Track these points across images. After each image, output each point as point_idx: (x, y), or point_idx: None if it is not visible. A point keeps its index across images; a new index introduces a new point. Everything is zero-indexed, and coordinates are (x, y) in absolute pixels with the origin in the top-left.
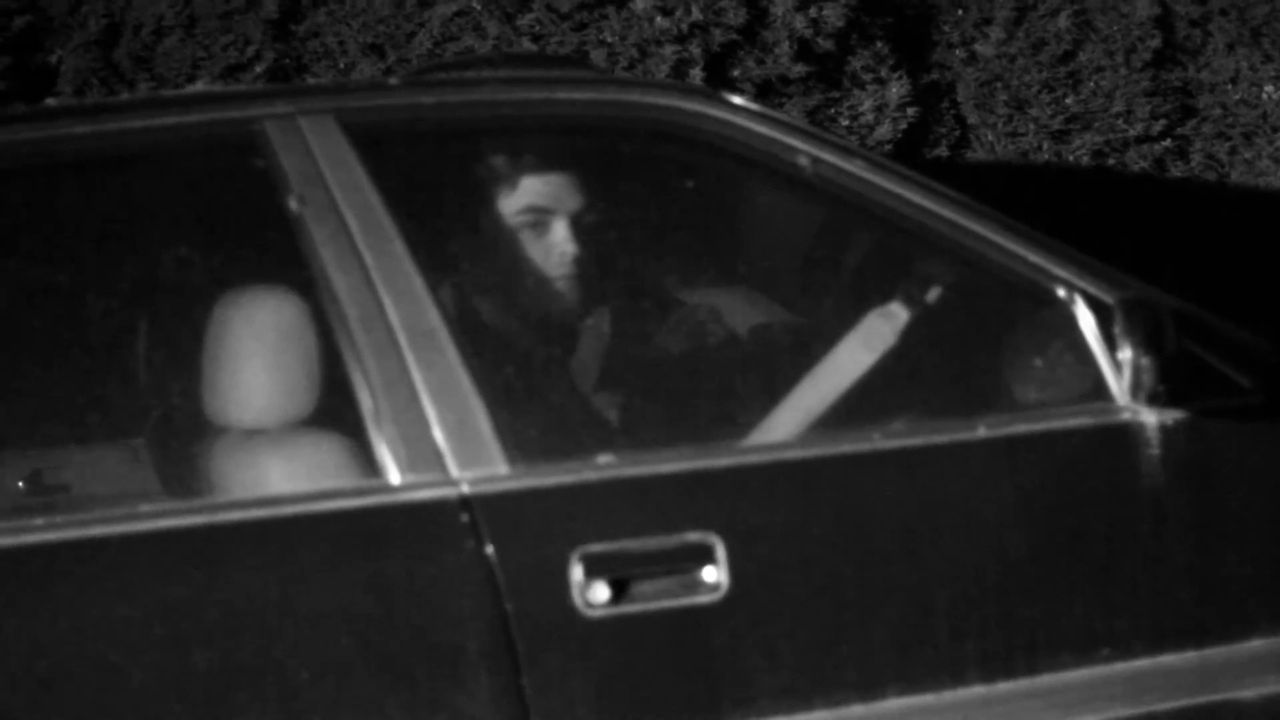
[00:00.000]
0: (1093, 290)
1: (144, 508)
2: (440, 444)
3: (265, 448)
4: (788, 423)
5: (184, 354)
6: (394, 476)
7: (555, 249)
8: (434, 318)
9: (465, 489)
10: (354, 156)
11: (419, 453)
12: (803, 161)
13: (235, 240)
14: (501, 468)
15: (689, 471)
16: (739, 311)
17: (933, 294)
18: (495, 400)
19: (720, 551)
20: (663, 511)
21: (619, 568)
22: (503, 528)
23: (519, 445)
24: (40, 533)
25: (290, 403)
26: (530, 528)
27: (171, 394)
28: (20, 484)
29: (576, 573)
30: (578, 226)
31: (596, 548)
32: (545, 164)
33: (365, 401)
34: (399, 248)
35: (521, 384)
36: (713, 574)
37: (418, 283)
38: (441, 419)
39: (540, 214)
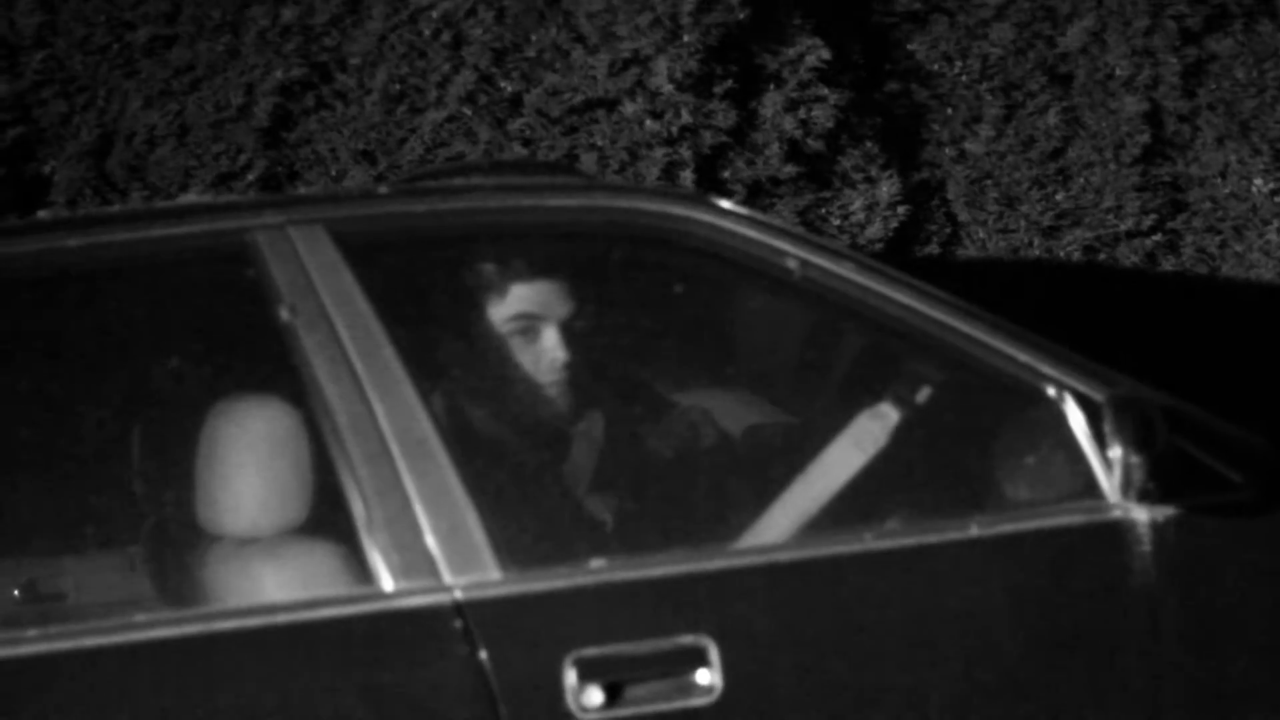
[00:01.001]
0: (1082, 388)
1: (139, 617)
2: (433, 551)
3: (259, 556)
4: (780, 524)
5: (177, 463)
6: (387, 584)
7: (545, 355)
8: (425, 425)
9: (458, 595)
10: (344, 265)
11: (412, 560)
12: (792, 265)
13: (227, 350)
14: (494, 574)
15: (681, 575)
16: (731, 413)
17: (922, 394)
18: (487, 506)
19: (714, 654)
20: (655, 615)
21: (613, 672)
22: (496, 633)
23: (511, 551)
24: (35, 643)
25: (283, 511)
26: (524, 633)
27: (165, 503)
28: (15, 593)
29: (570, 677)
30: (568, 332)
31: (590, 652)
32: (534, 271)
33: (358, 509)
34: (390, 356)
35: (513, 490)
36: (706, 677)
37: (409, 390)
38: (434, 526)
39: (530, 320)
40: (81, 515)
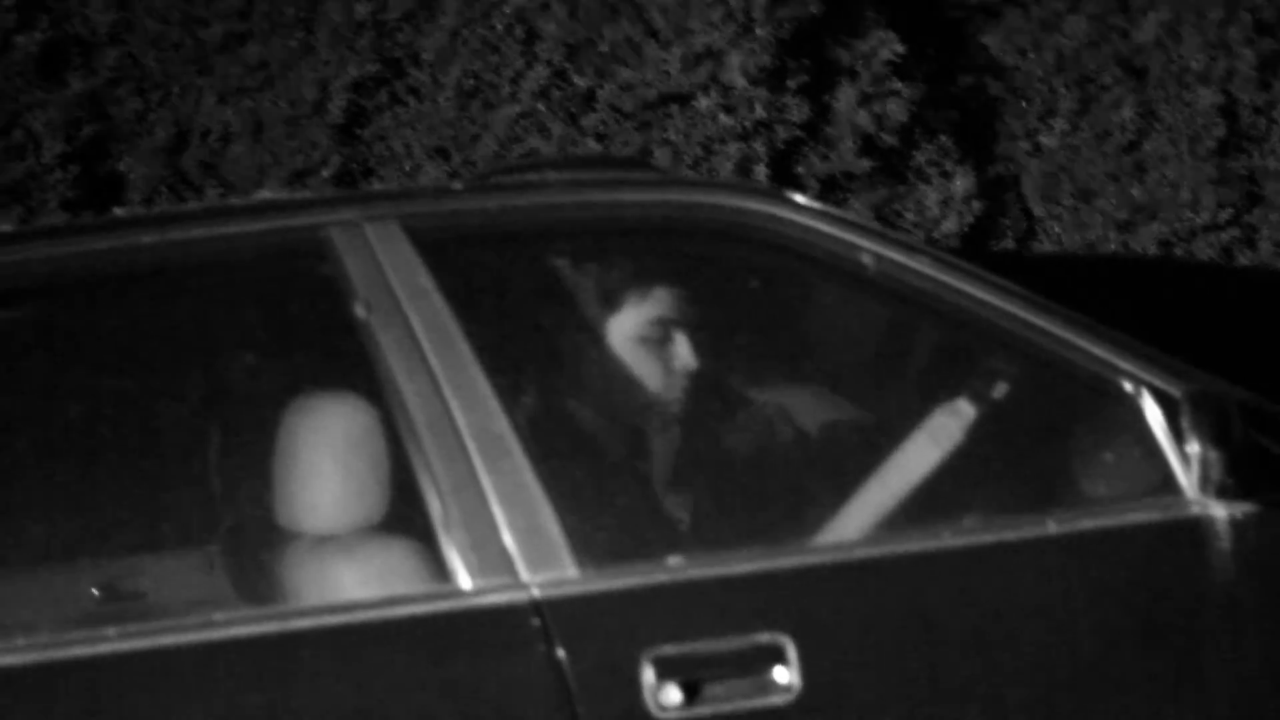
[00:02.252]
0: (1159, 383)
1: (217, 616)
2: (510, 548)
3: (336, 554)
4: (856, 521)
5: (255, 461)
6: (464, 581)
7: (677, 360)
8: (501, 422)
9: (535, 593)
10: (419, 262)
11: (489, 557)
12: (866, 260)
13: (303, 347)
14: (571, 571)
15: (759, 572)
16: (807, 409)
17: (999, 390)
18: (564, 503)
19: (791, 652)
20: (733, 613)
21: (691, 670)
22: (573, 631)
23: (588, 548)
24: (114, 642)
25: (360, 508)
26: (600, 631)
27: (243, 501)
28: (94, 592)
29: (648, 676)
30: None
31: (668, 650)
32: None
33: (435, 506)
34: (465, 352)
35: (590, 487)
36: (784, 675)
37: (485, 387)
38: (511, 523)
39: (666, 326)
40: (160, 514)
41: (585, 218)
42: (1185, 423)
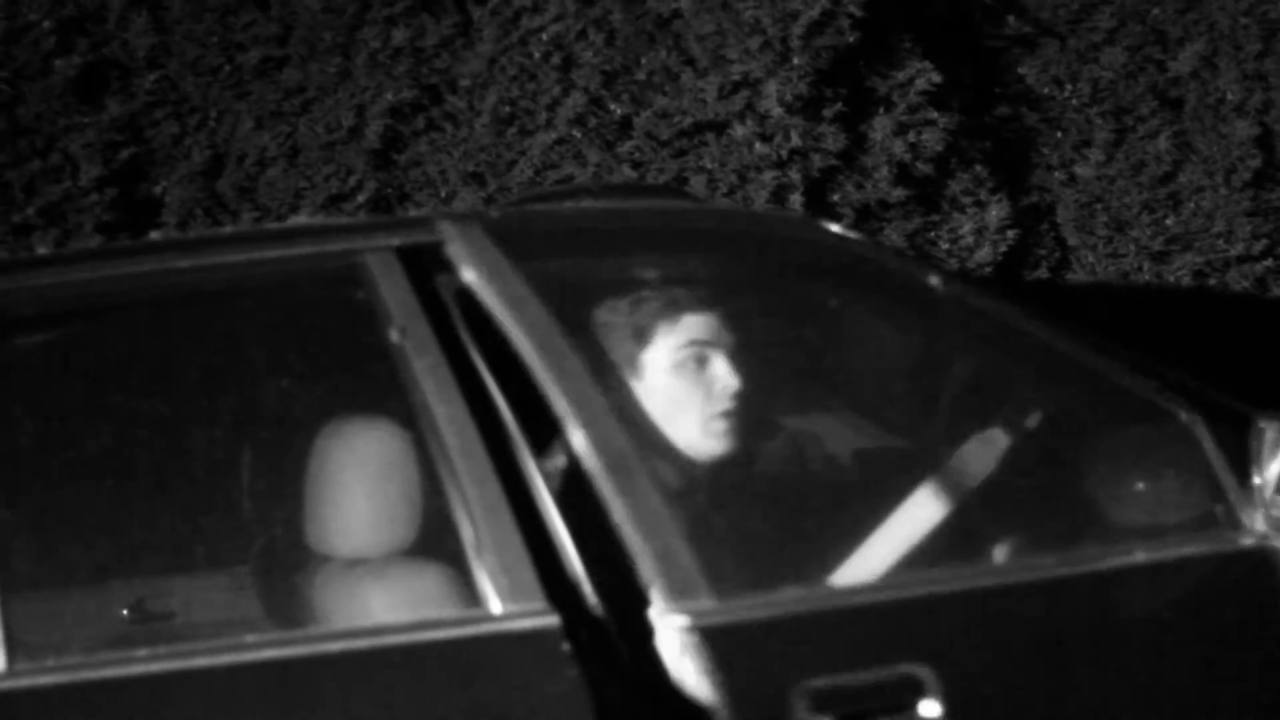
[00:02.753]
0: (1216, 415)
1: (248, 638)
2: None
3: (367, 577)
4: (880, 554)
5: (287, 484)
6: (495, 606)
7: (717, 383)
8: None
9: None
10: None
11: (519, 582)
12: (934, 282)
13: (337, 371)
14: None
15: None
16: (837, 436)
17: (1032, 419)
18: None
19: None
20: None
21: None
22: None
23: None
24: (144, 663)
25: (391, 533)
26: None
27: (275, 523)
28: (125, 613)
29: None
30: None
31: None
32: (700, 298)
33: (466, 531)
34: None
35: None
36: (932, 708)
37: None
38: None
39: (702, 347)
40: (191, 535)
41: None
42: (1255, 453)
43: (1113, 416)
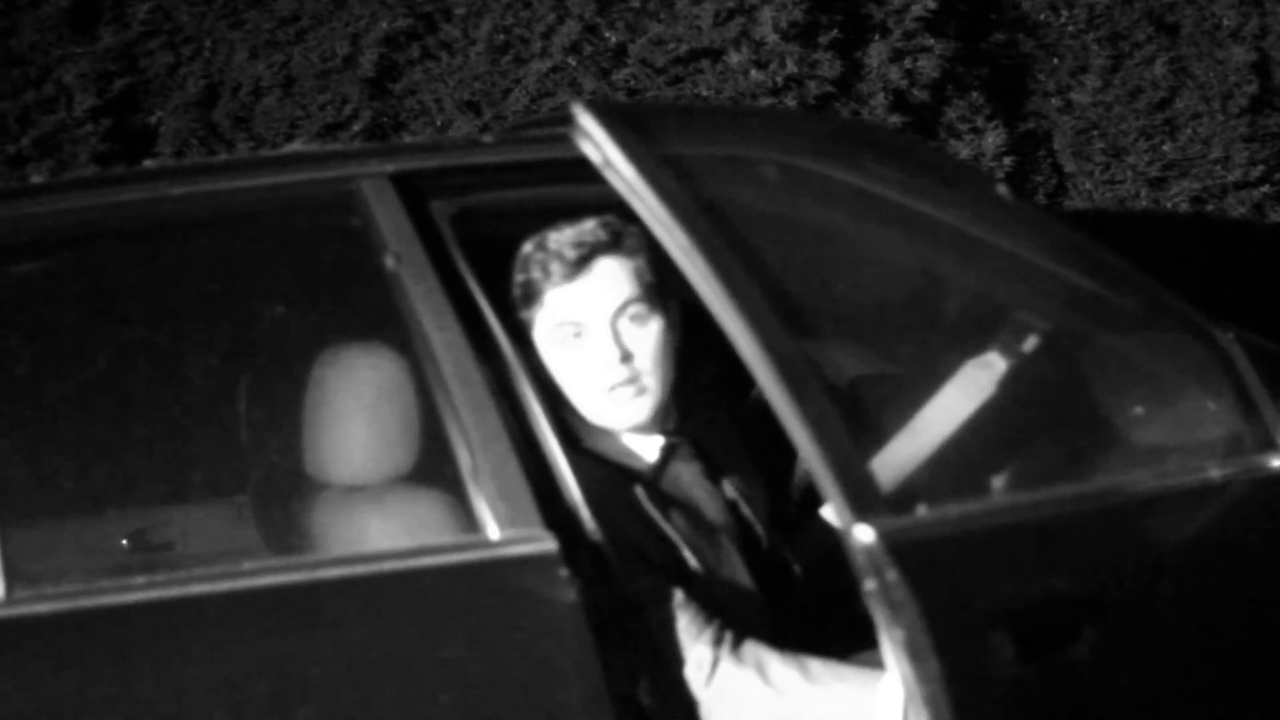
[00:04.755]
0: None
1: (246, 565)
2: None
3: (365, 504)
4: (884, 475)
5: (284, 412)
6: (493, 532)
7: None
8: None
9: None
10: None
11: (517, 507)
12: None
13: (332, 298)
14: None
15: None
16: (835, 364)
17: (1029, 344)
18: None
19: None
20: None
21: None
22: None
23: None
24: (143, 591)
25: (389, 459)
26: None
27: (272, 452)
28: (124, 542)
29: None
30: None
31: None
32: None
33: (463, 457)
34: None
35: None
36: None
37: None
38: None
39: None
40: (189, 465)
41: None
42: None
43: (1156, 332)
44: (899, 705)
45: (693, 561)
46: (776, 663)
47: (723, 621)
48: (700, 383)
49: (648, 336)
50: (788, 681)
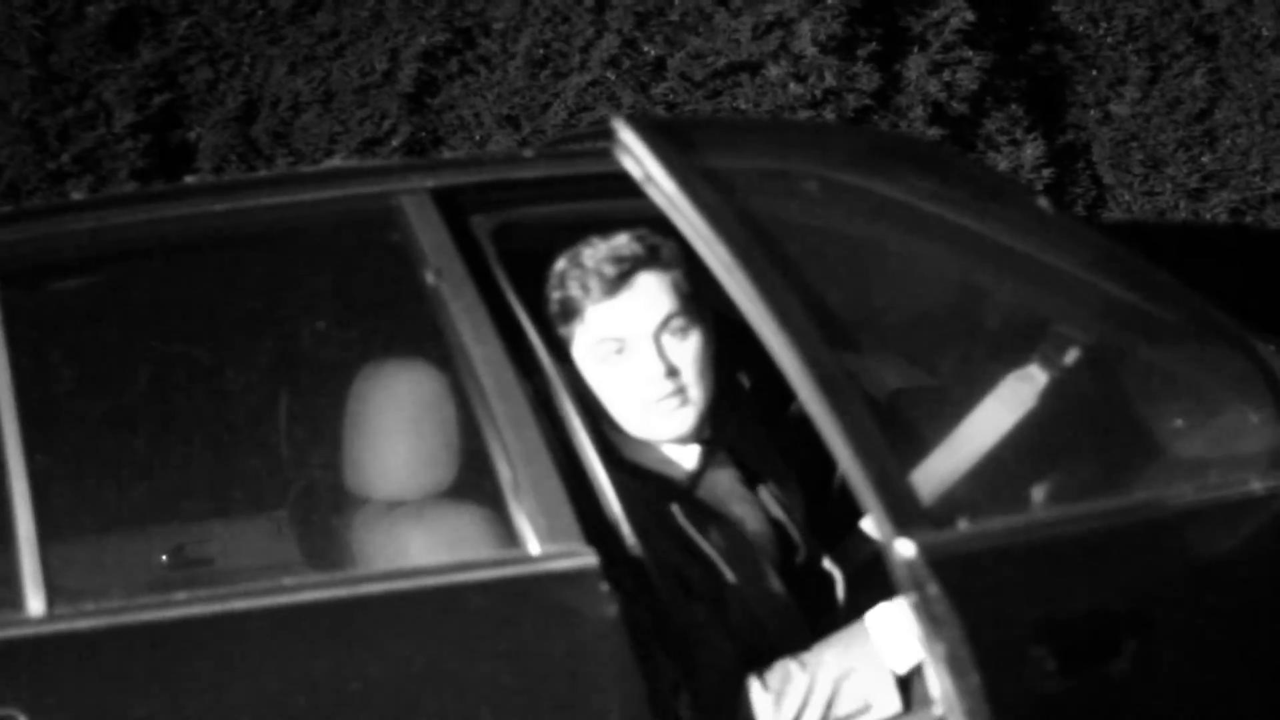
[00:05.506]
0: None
1: (286, 581)
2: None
3: (406, 519)
4: (925, 486)
5: (324, 427)
6: (533, 547)
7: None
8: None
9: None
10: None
11: (557, 522)
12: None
13: (373, 314)
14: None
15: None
16: (875, 378)
17: (1070, 356)
18: None
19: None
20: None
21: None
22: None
23: None
24: (183, 607)
25: (430, 474)
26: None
27: (312, 467)
28: (163, 558)
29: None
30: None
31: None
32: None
33: (504, 473)
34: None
35: None
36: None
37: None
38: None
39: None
40: (229, 480)
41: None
42: None
43: (1197, 344)
44: (893, 623)
45: (729, 576)
46: (764, 683)
47: (761, 635)
48: (735, 392)
49: (689, 348)
50: (782, 683)
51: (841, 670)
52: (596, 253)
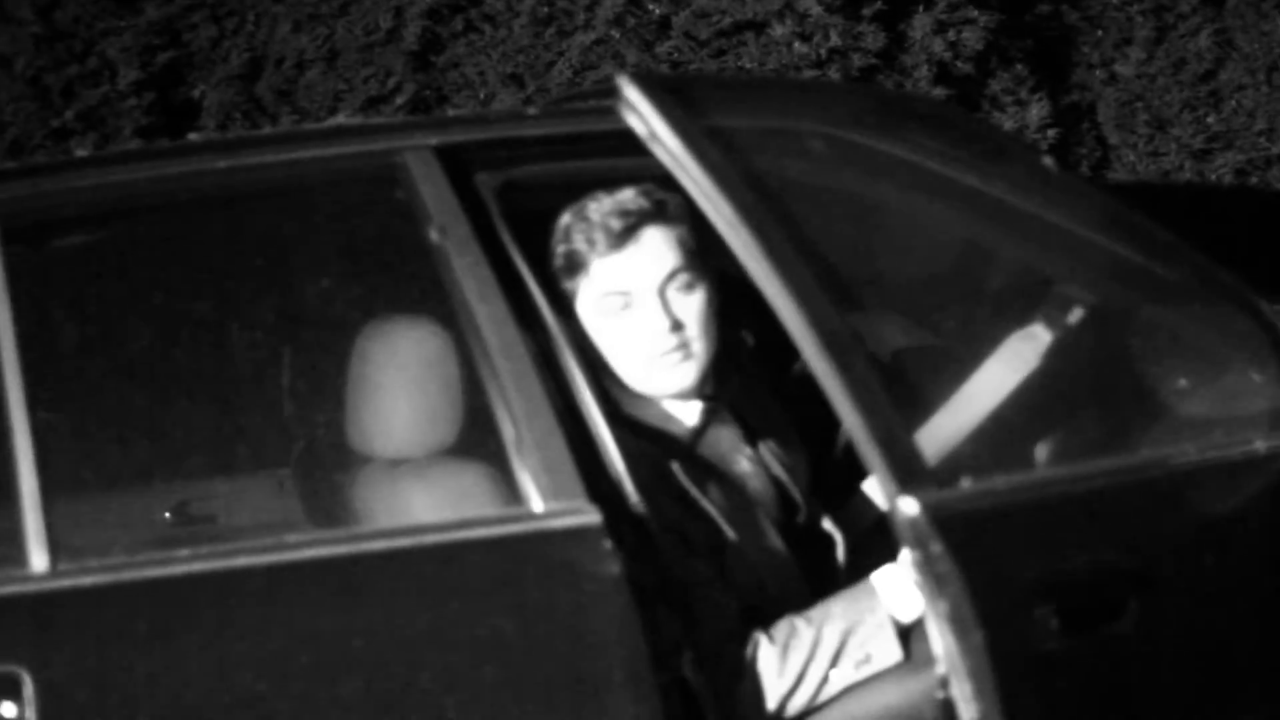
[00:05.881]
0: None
1: (289, 538)
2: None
3: (409, 477)
4: (929, 448)
5: (328, 385)
6: (537, 504)
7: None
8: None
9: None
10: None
11: (561, 480)
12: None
13: (377, 271)
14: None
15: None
16: (879, 337)
17: (1074, 315)
18: None
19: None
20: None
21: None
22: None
23: None
24: (186, 564)
25: (433, 432)
26: None
27: (316, 425)
28: (167, 515)
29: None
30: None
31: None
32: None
33: (507, 430)
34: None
35: None
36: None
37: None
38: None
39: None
40: (232, 438)
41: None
42: None
43: (1201, 305)
44: (899, 580)
45: (730, 534)
46: (770, 637)
47: (761, 593)
48: (738, 350)
49: (694, 304)
50: (787, 636)
51: (848, 625)
52: (602, 207)
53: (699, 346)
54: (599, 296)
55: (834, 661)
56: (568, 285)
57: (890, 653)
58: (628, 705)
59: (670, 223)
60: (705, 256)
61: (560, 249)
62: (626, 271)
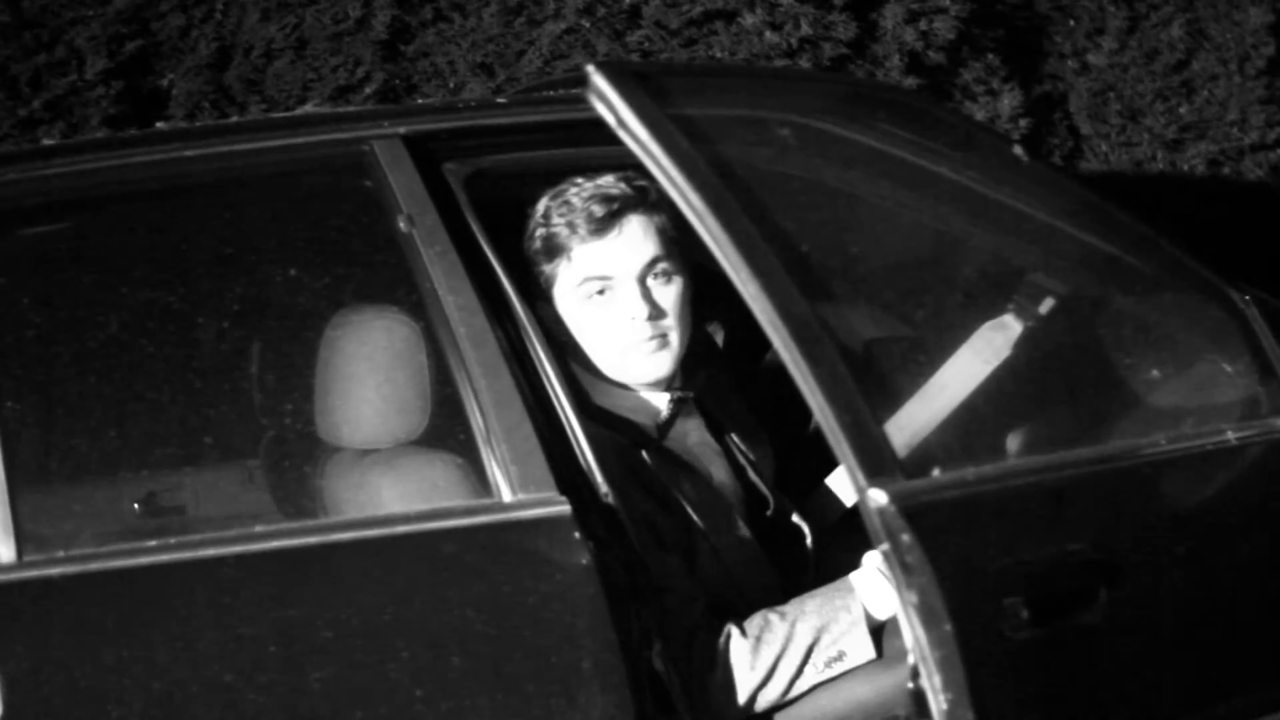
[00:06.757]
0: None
1: (258, 528)
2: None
3: (378, 468)
4: (899, 438)
5: (296, 375)
6: (506, 494)
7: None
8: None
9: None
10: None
11: (530, 470)
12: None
13: (345, 261)
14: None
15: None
16: (850, 327)
17: (1045, 306)
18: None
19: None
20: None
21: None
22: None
23: None
24: (154, 554)
25: (402, 422)
26: None
27: (284, 415)
28: (135, 506)
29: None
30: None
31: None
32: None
33: (476, 420)
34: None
35: None
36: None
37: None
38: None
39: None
40: (201, 428)
41: None
42: None
43: (1173, 295)
44: (877, 579)
45: (700, 526)
46: (742, 631)
47: (730, 585)
48: (707, 344)
49: (672, 293)
50: (760, 630)
51: (822, 621)
52: (583, 191)
53: (675, 336)
54: (578, 281)
55: (807, 657)
56: (546, 269)
57: (863, 651)
58: (597, 695)
59: (652, 210)
60: (683, 246)
61: (539, 232)
62: (608, 258)
